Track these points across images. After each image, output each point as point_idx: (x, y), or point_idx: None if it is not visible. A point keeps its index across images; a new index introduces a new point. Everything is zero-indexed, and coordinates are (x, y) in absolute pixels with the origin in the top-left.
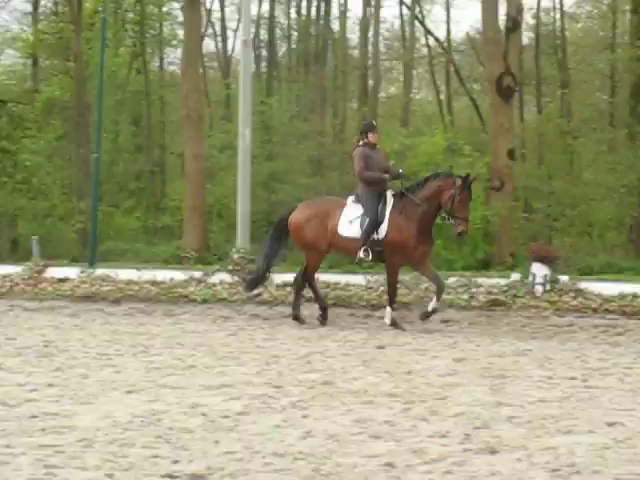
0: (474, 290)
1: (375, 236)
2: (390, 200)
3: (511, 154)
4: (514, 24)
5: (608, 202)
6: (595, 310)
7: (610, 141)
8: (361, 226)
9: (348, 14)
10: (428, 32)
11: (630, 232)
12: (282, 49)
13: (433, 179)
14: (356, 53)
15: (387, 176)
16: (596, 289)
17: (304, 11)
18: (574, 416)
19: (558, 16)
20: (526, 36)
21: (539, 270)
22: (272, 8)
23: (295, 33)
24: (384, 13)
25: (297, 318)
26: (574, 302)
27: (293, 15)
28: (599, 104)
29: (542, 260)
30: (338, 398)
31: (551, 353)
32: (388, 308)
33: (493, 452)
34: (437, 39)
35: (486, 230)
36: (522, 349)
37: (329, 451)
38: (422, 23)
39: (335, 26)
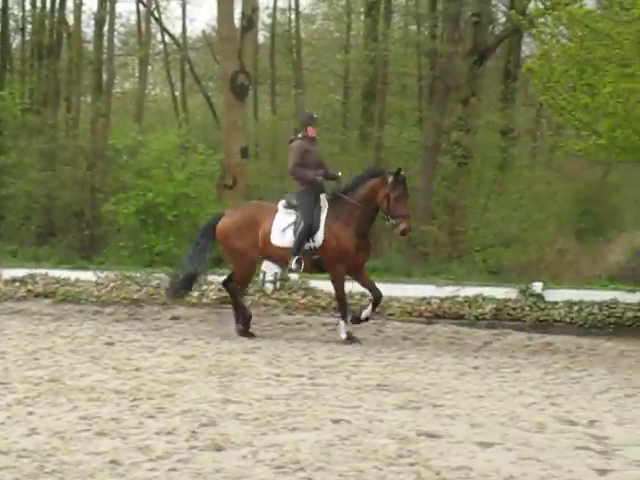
0: (205, 287)
1: (311, 244)
2: (325, 205)
3: (244, 152)
4: (249, 23)
5: None
6: (324, 308)
7: (343, 141)
8: (295, 233)
9: (83, 8)
10: (164, 29)
11: None
12: (16, 41)
13: (367, 178)
14: (91, 47)
15: (320, 178)
16: (325, 288)
17: (39, 3)
18: (300, 413)
19: (294, 16)
20: (262, 35)
21: (269, 268)
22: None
23: (29, 25)
24: (120, 8)
25: (244, 331)
26: (303, 300)
27: (28, 7)
28: (333, 105)
29: (273, 258)
30: (64, 395)
31: (280, 350)
32: (341, 322)
33: (219, 449)
34: (172, 36)
35: None
36: (251, 346)
37: (54, 448)
38: (157, 20)
39: (70, 19)
